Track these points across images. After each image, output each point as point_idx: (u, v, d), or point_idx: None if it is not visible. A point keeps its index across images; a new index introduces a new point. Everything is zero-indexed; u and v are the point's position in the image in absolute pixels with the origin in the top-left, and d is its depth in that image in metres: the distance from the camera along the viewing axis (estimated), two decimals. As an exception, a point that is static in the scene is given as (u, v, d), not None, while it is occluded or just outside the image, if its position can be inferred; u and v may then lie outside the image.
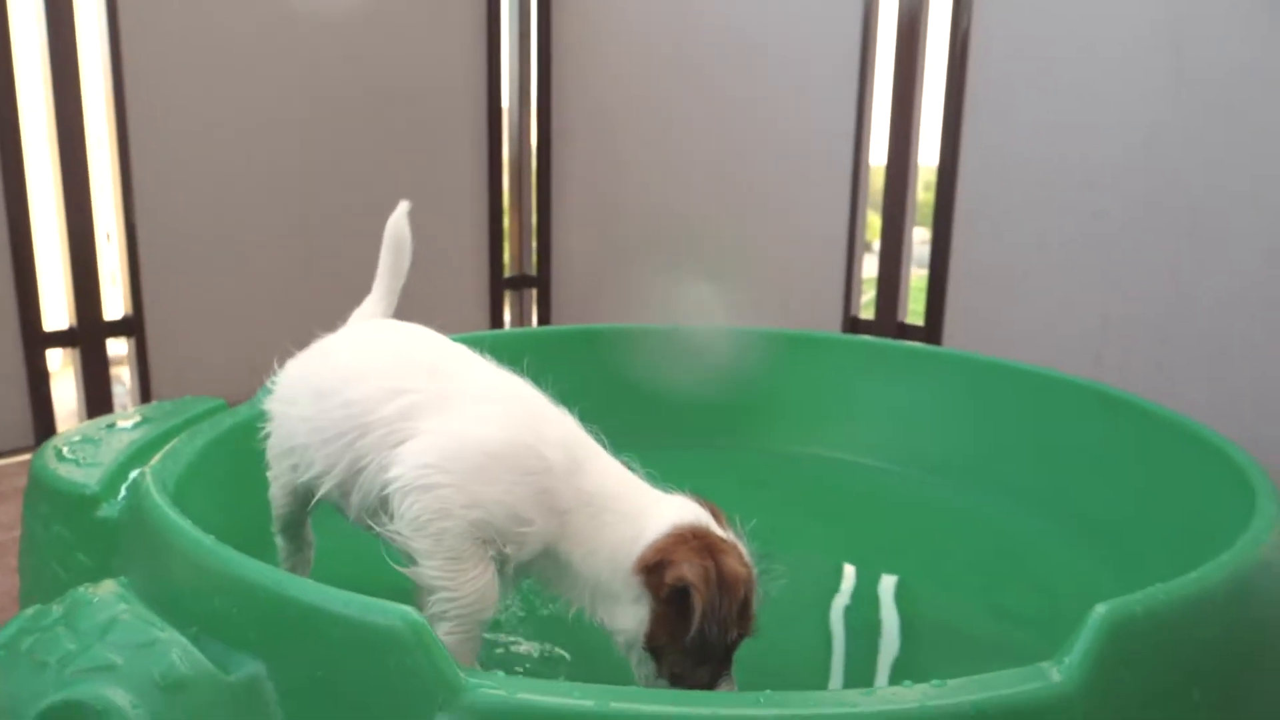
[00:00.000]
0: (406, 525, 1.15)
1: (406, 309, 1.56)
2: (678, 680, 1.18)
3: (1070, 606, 1.04)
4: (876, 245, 3.13)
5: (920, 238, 3.12)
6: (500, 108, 3.67)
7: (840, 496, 2.21)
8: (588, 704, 0.90)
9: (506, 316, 3.90)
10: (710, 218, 3.41)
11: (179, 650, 1.01)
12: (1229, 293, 2.50)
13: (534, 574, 1.25)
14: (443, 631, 1.15)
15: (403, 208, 1.53)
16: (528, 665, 1.45)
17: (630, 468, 1.27)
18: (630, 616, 1.17)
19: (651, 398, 2.24)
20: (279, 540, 1.47)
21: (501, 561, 1.18)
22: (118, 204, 2.78)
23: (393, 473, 1.17)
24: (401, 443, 1.20)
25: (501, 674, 0.96)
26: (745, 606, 1.17)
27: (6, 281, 2.60)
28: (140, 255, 2.82)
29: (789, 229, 3.26)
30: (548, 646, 1.49)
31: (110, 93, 2.72)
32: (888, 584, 1.85)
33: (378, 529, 1.21)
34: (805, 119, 3.16)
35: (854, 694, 0.93)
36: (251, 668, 1.02)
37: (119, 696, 0.95)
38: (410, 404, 1.22)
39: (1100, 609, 1.01)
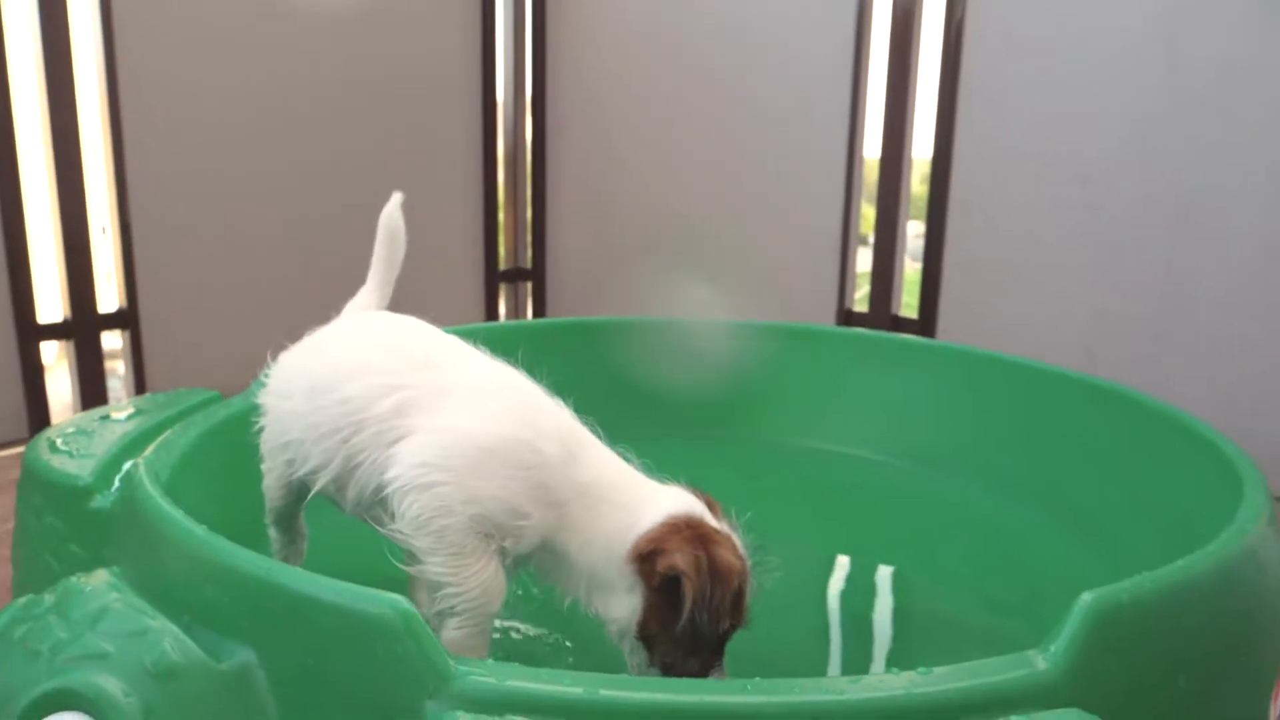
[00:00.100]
0: (408, 525, 1.16)
1: (401, 301, 1.56)
2: (669, 670, 1.18)
3: (1062, 596, 1.05)
4: (871, 238, 3.13)
5: (915, 231, 3.12)
6: (495, 102, 3.67)
7: (834, 488, 2.22)
8: (576, 691, 0.90)
9: (501, 310, 3.90)
10: (704, 211, 3.41)
11: (171, 639, 1.01)
12: (1222, 286, 2.51)
13: (531, 565, 1.26)
14: (452, 626, 1.16)
15: (396, 199, 1.53)
16: (525, 652, 1.46)
17: (626, 459, 1.27)
18: (623, 605, 1.18)
19: (646, 390, 2.25)
20: (272, 532, 1.48)
21: (500, 554, 1.18)
22: (112, 197, 2.78)
23: (391, 473, 1.18)
24: (397, 440, 1.20)
25: (491, 661, 0.97)
26: (738, 597, 1.17)
27: (1, 274, 2.60)
28: (135, 248, 2.82)
29: (783, 222, 3.26)
30: (545, 631, 1.50)
31: (105, 86, 2.72)
32: (881, 575, 1.86)
33: (379, 529, 1.21)
34: (800, 112, 3.16)
35: (841, 681, 0.93)
36: (243, 656, 1.02)
37: (111, 684, 0.96)
38: (404, 400, 1.22)
39: (1086, 597, 1.02)
